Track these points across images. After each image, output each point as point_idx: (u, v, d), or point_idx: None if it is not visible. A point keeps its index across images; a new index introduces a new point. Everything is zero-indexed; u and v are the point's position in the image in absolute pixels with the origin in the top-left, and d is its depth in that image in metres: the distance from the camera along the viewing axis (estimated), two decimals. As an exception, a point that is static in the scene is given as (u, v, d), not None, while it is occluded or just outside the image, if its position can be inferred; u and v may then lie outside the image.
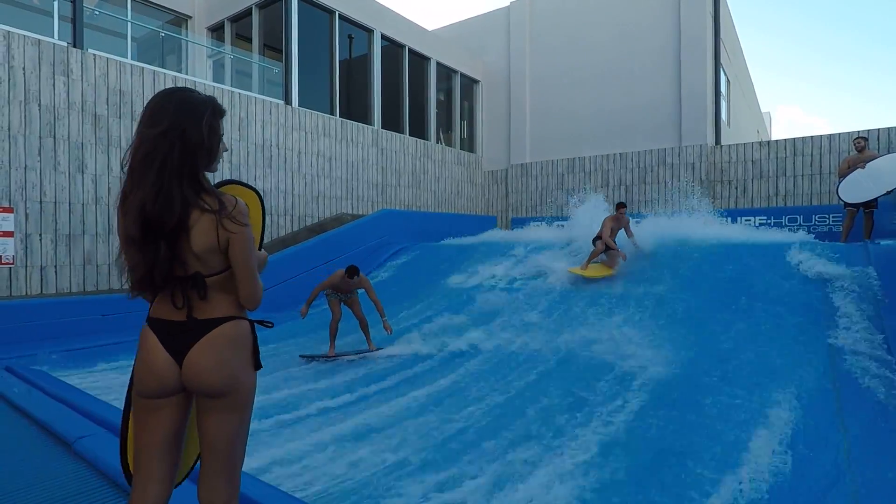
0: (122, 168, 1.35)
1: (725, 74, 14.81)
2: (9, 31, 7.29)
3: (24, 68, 7.40)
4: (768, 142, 12.53)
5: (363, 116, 13.18)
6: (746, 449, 3.52)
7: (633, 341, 5.77)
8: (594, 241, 8.09)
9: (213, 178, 1.59)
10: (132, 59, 9.10)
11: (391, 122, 13.93)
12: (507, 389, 4.92)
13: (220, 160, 1.48)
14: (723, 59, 14.05)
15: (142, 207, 1.29)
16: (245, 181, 1.73)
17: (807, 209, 11.13)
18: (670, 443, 3.68)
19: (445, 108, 16.30)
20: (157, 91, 8.82)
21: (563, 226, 13.22)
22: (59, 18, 8.46)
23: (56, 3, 8.61)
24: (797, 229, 10.29)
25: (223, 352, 1.39)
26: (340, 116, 12.37)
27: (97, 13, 9.78)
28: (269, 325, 1.58)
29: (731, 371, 4.85)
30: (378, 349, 6.47)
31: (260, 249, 1.63)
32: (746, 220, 11.31)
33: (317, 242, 10.00)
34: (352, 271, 6.24)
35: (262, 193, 1.61)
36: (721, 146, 13.10)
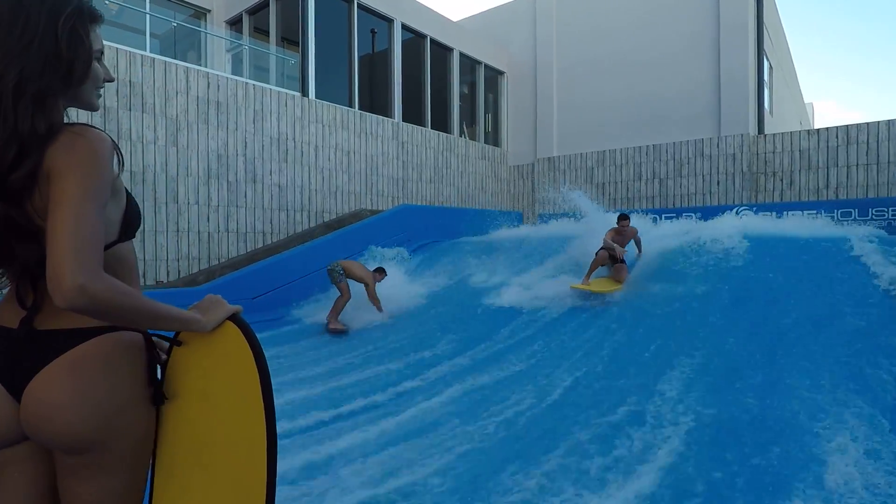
0: None
1: (768, 60, 13.85)
2: (16, 21, 7.10)
3: (31, 59, 7.21)
4: (818, 130, 11.59)
5: (383, 109, 12.77)
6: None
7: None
8: (597, 253, 7.06)
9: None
10: (152, 54, 8.86)
11: (412, 114, 13.49)
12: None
13: (99, 91, 1.02)
14: (765, 44, 13.11)
15: None
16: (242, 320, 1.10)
17: (862, 202, 10.18)
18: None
19: (469, 100, 15.77)
20: (170, 83, 8.62)
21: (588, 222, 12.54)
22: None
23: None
24: (852, 224, 9.43)
25: (86, 383, 0.91)
26: (359, 109, 11.98)
27: (106, 2, 9.60)
28: (178, 343, 1.09)
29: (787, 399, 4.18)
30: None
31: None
32: (793, 215, 10.43)
33: (334, 238, 9.63)
34: (381, 272, 7.72)
35: (248, 326, 1.06)
36: (765, 135, 12.20)
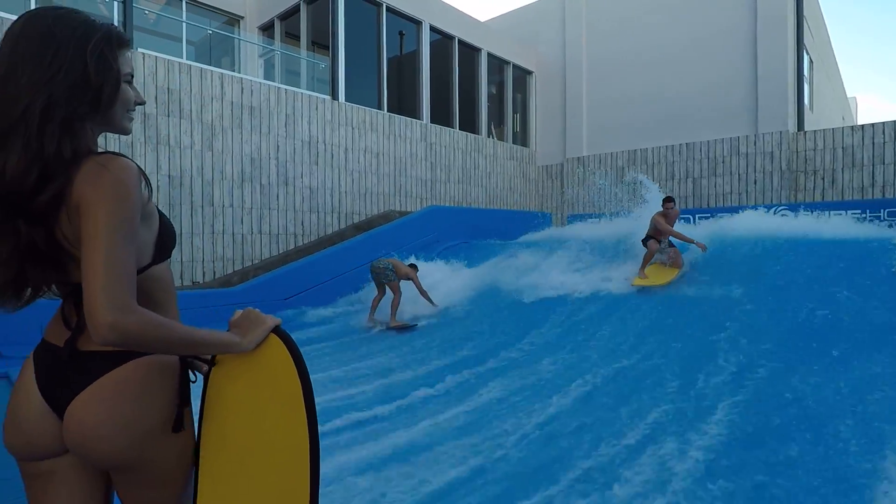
0: None
1: (808, 54, 13.36)
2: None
3: (77, 68, 7.50)
4: (862, 126, 11.12)
5: (411, 111, 12.83)
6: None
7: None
8: (644, 242, 7.23)
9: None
10: (188, 61, 9.13)
11: (440, 116, 13.52)
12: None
13: (130, 115, 1.04)
14: (806, 38, 12.64)
15: None
16: (281, 332, 1.10)
17: (911, 201, 9.73)
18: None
19: (497, 100, 15.71)
20: (205, 89, 8.87)
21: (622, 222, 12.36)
22: (118, 25, 8.63)
23: (115, 6, 8.80)
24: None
25: (121, 407, 0.95)
26: (388, 111, 12.08)
27: (146, 12, 9.94)
28: (210, 365, 1.12)
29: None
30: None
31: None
32: (836, 215, 10.03)
33: (363, 240, 9.73)
34: (415, 268, 7.56)
35: (291, 339, 1.08)
36: (805, 132, 11.78)
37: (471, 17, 14.37)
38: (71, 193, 0.89)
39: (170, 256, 1.10)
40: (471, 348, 5.99)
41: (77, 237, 0.90)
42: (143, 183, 0.96)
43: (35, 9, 0.94)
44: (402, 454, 3.30)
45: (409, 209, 12.21)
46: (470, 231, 11.59)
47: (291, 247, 10.01)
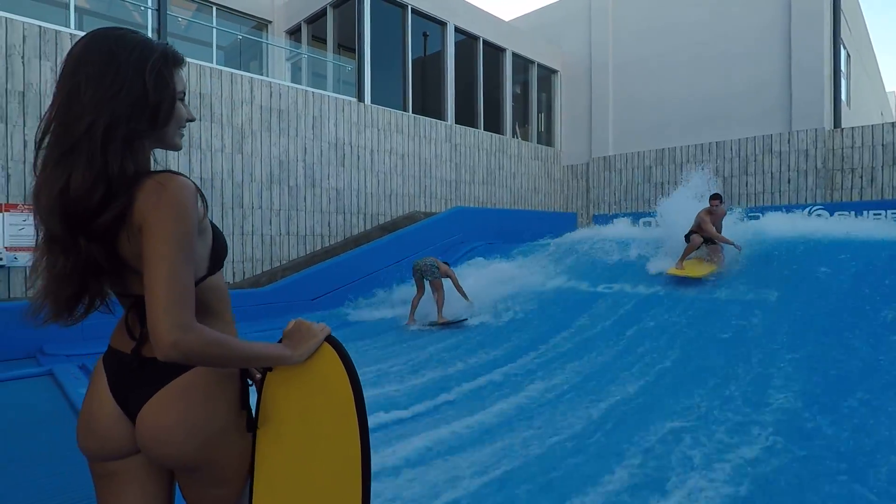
0: (37, 147, 0.94)
1: (846, 49, 12.93)
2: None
3: (113, 75, 7.74)
4: (903, 122, 10.71)
5: (436, 112, 12.87)
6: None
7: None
8: (687, 237, 7.17)
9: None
10: (218, 65, 9.33)
11: (465, 116, 13.52)
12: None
13: (181, 131, 1.06)
14: (843, 33, 12.24)
15: (62, 191, 0.89)
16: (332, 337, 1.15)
17: (957, 200, 9.33)
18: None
19: (521, 100, 15.63)
20: (235, 94, 9.05)
21: (650, 222, 12.17)
22: (152, 31, 8.90)
23: (150, 14, 9.06)
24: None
25: (189, 411, 0.99)
26: (413, 112, 12.13)
27: (178, 19, 10.19)
28: (262, 373, 1.15)
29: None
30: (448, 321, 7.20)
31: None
32: (876, 215, 9.69)
33: (389, 241, 9.79)
34: (446, 265, 7.46)
35: (345, 352, 1.11)
36: (842, 129, 11.40)
37: (495, 17, 14.34)
38: (133, 213, 0.91)
39: (223, 266, 1.13)
40: (515, 342, 6.06)
41: (137, 255, 0.93)
42: (200, 200, 0.99)
43: (96, 30, 0.97)
44: (484, 432, 3.51)
45: (434, 210, 12.25)
46: (495, 232, 11.56)
47: (318, 248, 10.14)
